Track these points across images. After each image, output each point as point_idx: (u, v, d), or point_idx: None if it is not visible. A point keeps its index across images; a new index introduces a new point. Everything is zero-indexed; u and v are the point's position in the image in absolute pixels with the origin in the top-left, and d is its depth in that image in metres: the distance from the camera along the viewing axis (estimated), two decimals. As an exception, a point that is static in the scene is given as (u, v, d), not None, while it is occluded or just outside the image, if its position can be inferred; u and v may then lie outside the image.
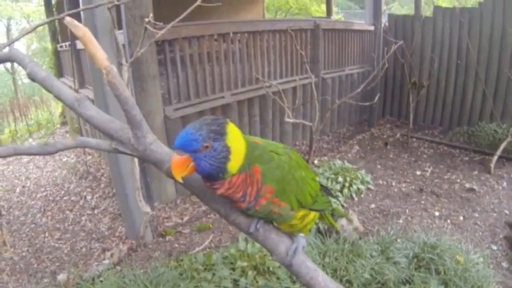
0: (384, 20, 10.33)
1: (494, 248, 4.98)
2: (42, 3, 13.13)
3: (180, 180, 1.39)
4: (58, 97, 1.61)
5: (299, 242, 1.66)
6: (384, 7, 9.99)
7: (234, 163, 1.42)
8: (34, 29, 2.95)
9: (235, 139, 1.44)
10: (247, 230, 1.59)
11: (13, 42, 3.18)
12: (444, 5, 15.95)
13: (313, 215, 1.74)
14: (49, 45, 13.28)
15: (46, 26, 12.55)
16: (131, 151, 1.57)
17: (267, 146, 1.59)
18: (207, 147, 1.36)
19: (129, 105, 1.46)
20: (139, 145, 1.53)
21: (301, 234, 1.69)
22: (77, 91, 8.73)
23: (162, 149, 1.56)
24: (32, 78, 1.62)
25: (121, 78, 1.44)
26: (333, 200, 5.62)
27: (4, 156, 1.53)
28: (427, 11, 12.68)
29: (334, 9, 17.14)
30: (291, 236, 1.70)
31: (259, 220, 1.60)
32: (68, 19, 1.40)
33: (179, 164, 1.36)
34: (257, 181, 1.47)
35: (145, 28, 3.71)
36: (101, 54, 1.39)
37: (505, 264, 4.63)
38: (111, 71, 1.40)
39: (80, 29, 1.37)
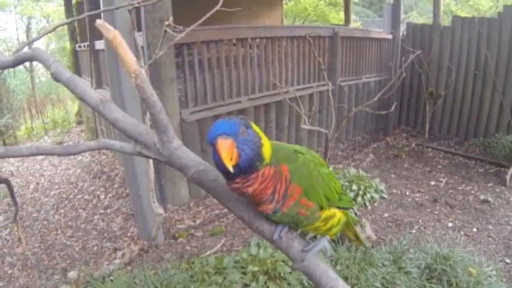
0: (402, 28, 10.29)
1: (508, 261, 4.92)
2: (62, 3, 13.26)
3: (231, 169, 1.34)
4: (82, 98, 1.62)
5: (319, 242, 1.66)
6: (402, 16, 9.94)
7: (266, 149, 1.45)
8: (54, 29, 2.98)
9: (259, 131, 1.47)
10: (270, 237, 1.59)
11: (33, 41, 3.22)
12: (463, 14, 15.86)
13: (338, 217, 1.73)
14: (67, 45, 13.42)
15: (65, 26, 12.67)
16: (156, 155, 1.57)
17: (289, 146, 1.62)
18: (243, 132, 1.39)
19: (157, 109, 1.48)
20: (165, 150, 1.54)
21: (327, 237, 1.70)
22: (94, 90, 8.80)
23: (188, 155, 1.56)
24: (56, 78, 1.63)
25: (149, 82, 1.45)
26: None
27: (27, 155, 1.55)
28: (445, 20, 12.65)
29: (353, 17, 17.10)
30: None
31: (283, 228, 1.60)
32: (99, 21, 1.42)
33: (228, 148, 1.34)
34: (285, 179, 1.47)
35: (165, 31, 3.73)
36: (130, 58, 1.41)
37: (518, 278, 4.58)
38: (140, 74, 1.41)
39: (111, 32, 1.38)
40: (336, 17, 20.61)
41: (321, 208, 1.61)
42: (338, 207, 1.74)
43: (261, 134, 1.46)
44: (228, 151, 1.33)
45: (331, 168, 7.03)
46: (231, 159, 1.34)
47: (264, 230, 1.58)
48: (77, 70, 12.19)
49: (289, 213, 1.52)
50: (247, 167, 1.40)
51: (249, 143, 1.39)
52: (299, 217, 1.56)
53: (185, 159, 1.56)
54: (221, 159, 1.33)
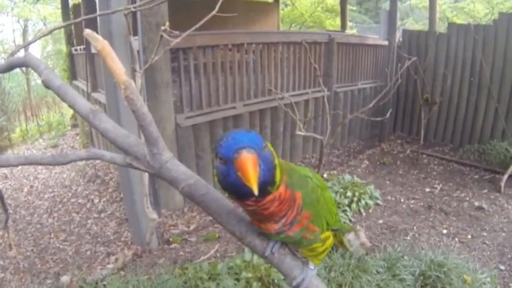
0: (398, 35, 10.33)
1: (502, 268, 4.93)
2: (60, 6, 13.25)
3: (256, 191, 1.15)
4: (72, 107, 1.59)
5: (307, 274, 1.55)
6: (398, 22, 9.97)
7: (278, 170, 1.29)
8: (50, 32, 2.97)
9: (273, 150, 1.32)
10: (262, 253, 1.53)
11: (29, 44, 3.21)
12: (459, 21, 15.93)
13: (331, 239, 1.67)
14: (64, 48, 13.40)
15: (62, 28, 12.66)
16: (146, 168, 1.55)
17: (298, 169, 1.49)
18: (265, 147, 1.23)
19: (147, 121, 1.42)
20: (155, 162, 1.50)
21: (312, 266, 1.59)
22: (89, 95, 8.79)
23: (178, 168, 1.53)
24: (47, 85, 1.61)
25: (139, 93, 1.42)
26: (340, 214, 5.60)
27: (15, 165, 1.53)
28: (441, 27, 12.71)
29: (349, 23, 17.16)
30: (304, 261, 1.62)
31: (275, 244, 1.53)
32: (87, 31, 1.39)
33: (254, 164, 1.16)
34: (298, 206, 1.36)
35: (161, 36, 3.72)
36: (119, 69, 1.36)
37: (512, 286, 4.58)
38: (129, 86, 1.36)
39: (99, 42, 1.36)
40: (333, 23, 20.67)
41: (322, 231, 1.57)
42: (332, 230, 1.69)
43: (275, 153, 1.30)
44: (254, 168, 1.15)
45: (325, 175, 7.07)
46: (257, 175, 1.16)
47: (256, 245, 1.53)
48: (73, 73, 12.17)
49: (294, 237, 1.44)
50: (261, 190, 1.21)
51: (268, 162, 1.23)
52: (302, 240, 1.50)
53: (175, 172, 1.51)
54: (244, 177, 1.15)
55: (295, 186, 1.35)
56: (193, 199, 1.51)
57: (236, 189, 1.21)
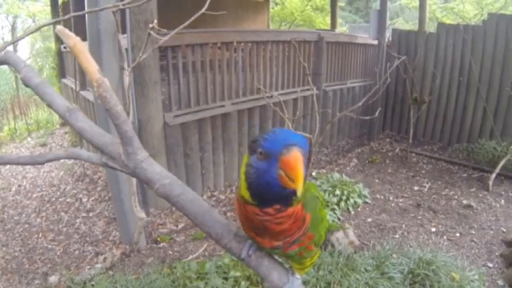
0: (388, 34, 10.35)
1: (490, 265, 4.96)
2: (49, 3, 13.16)
3: (300, 191, 1.08)
4: (50, 105, 1.57)
5: (293, 284, 1.48)
6: (388, 22, 9.99)
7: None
8: (39, 28, 2.94)
9: None
10: (239, 255, 1.47)
11: (17, 41, 3.18)
12: (448, 21, 16.01)
13: (319, 253, 1.58)
14: (53, 46, 13.31)
15: (51, 26, 12.58)
16: (121, 167, 1.52)
17: (309, 186, 1.40)
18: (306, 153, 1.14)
19: (121, 120, 1.40)
20: (130, 162, 1.48)
21: (298, 276, 1.51)
22: (78, 93, 8.74)
23: (154, 168, 1.51)
24: (26, 83, 1.59)
25: (113, 91, 1.39)
26: (329, 213, 5.60)
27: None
28: (431, 27, 12.75)
29: (339, 21, 17.18)
30: (283, 265, 1.53)
31: (252, 246, 1.46)
32: (58, 28, 1.36)
33: (303, 163, 1.08)
34: (305, 227, 1.30)
35: (149, 34, 3.71)
36: (91, 66, 1.35)
37: (500, 282, 4.60)
38: (102, 83, 1.35)
39: (72, 39, 1.32)
40: (322, 22, 20.67)
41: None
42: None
43: None
44: (302, 169, 1.07)
45: (314, 173, 7.08)
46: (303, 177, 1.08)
47: (233, 247, 1.47)
48: (62, 71, 12.10)
49: (289, 253, 1.38)
50: (288, 198, 1.16)
51: (306, 167, 1.12)
52: (295, 256, 1.43)
53: (150, 173, 1.49)
54: (292, 175, 1.07)
55: (307, 206, 1.29)
56: (168, 199, 1.49)
57: (267, 190, 1.13)
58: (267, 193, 1.13)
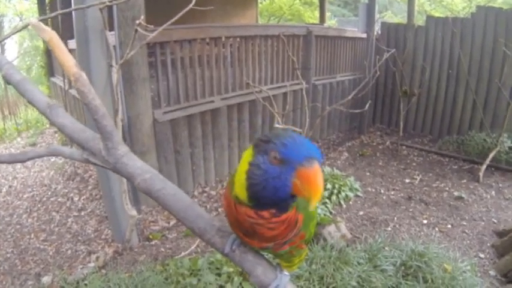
0: (377, 28, 10.36)
1: (482, 256, 5.00)
2: (36, 1, 13.08)
3: (313, 207, 1.07)
4: (31, 102, 1.55)
5: (282, 281, 1.42)
6: (377, 15, 10.00)
7: None
8: (24, 27, 2.92)
9: None
10: (222, 250, 1.43)
11: (4, 39, 3.15)
12: (437, 14, 16.05)
13: (307, 250, 1.53)
14: (41, 44, 13.23)
15: (38, 24, 12.49)
16: (102, 163, 1.49)
17: None
18: None
19: (99, 114, 1.38)
20: (110, 157, 1.45)
21: (286, 273, 1.46)
22: (67, 91, 8.68)
23: (135, 163, 1.48)
24: (7, 80, 1.57)
25: (91, 86, 1.36)
26: (321, 207, 5.61)
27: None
28: (419, 20, 12.77)
29: (328, 15, 17.17)
30: (269, 260, 1.48)
31: (236, 240, 1.40)
32: (33, 22, 1.34)
33: (322, 180, 1.05)
34: (298, 228, 1.25)
35: (136, 30, 3.68)
36: (68, 60, 1.31)
37: (492, 273, 4.63)
38: (79, 78, 1.32)
39: (47, 33, 1.29)
40: (311, 16, 20.68)
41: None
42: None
43: None
44: (322, 184, 1.05)
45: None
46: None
47: (216, 242, 1.44)
48: (51, 70, 12.02)
49: (279, 253, 1.35)
50: (285, 205, 1.14)
51: None
52: (285, 255, 1.40)
53: (131, 167, 1.46)
54: (312, 190, 1.03)
55: (300, 206, 1.24)
56: (149, 194, 1.46)
57: (271, 195, 1.08)
58: (270, 198, 1.08)
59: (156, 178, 1.47)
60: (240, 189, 1.13)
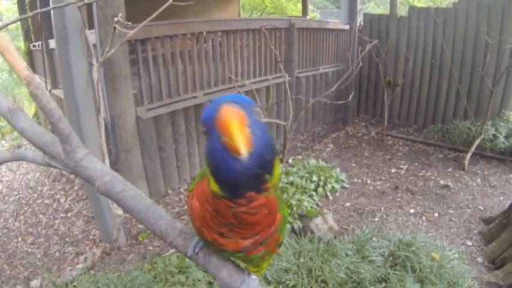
0: (359, 19, 10.38)
1: (469, 243, 5.05)
2: (16, 1, 12.93)
3: (246, 153, 0.91)
4: None
5: (250, 285, 1.38)
6: (359, 6, 10.02)
7: (278, 163, 1.10)
8: (4, 26, 2.87)
9: None
10: (185, 253, 1.40)
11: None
12: (419, 5, 16.10)
13: (276, 254, 1.45)
14: (22, 44, 13.08)
15: (19, 24, 12.36)
16: (63, 166, 1.48)
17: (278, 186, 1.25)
18: (258, 114, 1.02)
19: (55, 117, 1.35)
20: (69, 160, 1.44)
21: (254, 277, 1.41)
22: (50, 92, 8.60)
23: (94, 165, 1.46)
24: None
25: (44, 89, 1.33)
26: (307, 199, 5.60)
27: None
28: (402, 11, 12.79)
29: (310, 8, 17.18)
30: (234, 262, 1.43)
31: (199, 243, 1.36)
32: None
33: (240, 118, 0.93)
34: (275, 228, 1.20)
35: (115, 28, 3.65)
36: (19, 64, 1.28)
37: (480, 260, 4.68)
38: (31, 81, 1.29)
39: None
40: (294, 8, 20.69)
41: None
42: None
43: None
44: (240, 124, 0.92)
45: (290, 160, 7.08)
46: (245, 135, 0.92)
47: (178, 245, 1.41)
48: (32, 70, 11.84)
49: (251, 257, 1.28)
50: (257, 176, 1.01)
51: (264, 134, 1.00)
52: (255, 259, 1.32)
53: (91, 170, 1.45)
54: (228, 136, 0.91)
55: (279, 206, 1.19)
56: (110, 197, 1.45)
57: (226, 170, 0.98)
58: (229, 175, 0.98)
59: (116, 180, 1.45)
60: (212, 183, 1.06)
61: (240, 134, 0.91)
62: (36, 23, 10.00)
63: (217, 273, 1.39)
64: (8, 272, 5.12)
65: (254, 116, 0.98)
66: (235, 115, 0.92)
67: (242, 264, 1.43)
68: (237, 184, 1.00)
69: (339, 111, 10.42)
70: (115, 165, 5.38)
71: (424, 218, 5.67)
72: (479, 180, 6.78)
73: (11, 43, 1.28)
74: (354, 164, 7.69)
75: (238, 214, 1.08)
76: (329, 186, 6.26)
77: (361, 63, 7.32)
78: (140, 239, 5.35)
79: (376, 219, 5.62)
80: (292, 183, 5.93)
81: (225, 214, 1.10)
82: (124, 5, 5.15)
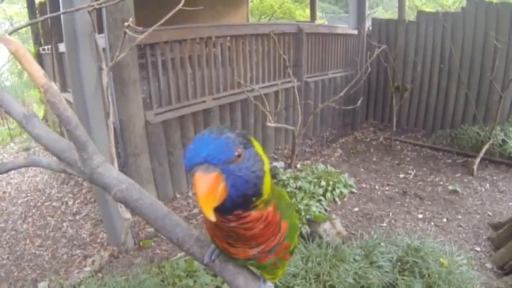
0: (368, 24, 10.37)
1: (478, 249, 5.01)
2: (26, 5, 13.00)
3: (213, 218, 1.01)
4: (8, 112, 1.53)
5: None
6: (367, 11, 10.02)
7: (267, 181, 1.12)
8: (14, 30, 2.90)
9: (262, 152, 1.14)
10: (201, 260, 1.43)
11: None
12: (427, 9, 16.07)
13: (289, 261, 1.54)
14: (32, 48, 13.16)
15: (29, 28, 12.45)
16: (78, 173, 1.48)
17: (281, 192, 1.33)
18: (239, 156, 1.04)
19: (73, 125, 1.36)
20: (86, 167, 1.44)
21: (269, 283, 1.46)
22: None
23: (110, 173, 1.47)
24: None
25: (61, 96, 1.33)
26: (315, 204, 5.60)
27: None
28: (410, 16, 12.79)
29: (319, 13, 17.18)
30: (250, 269, 1.47)
31: (215, 250, 1.39)
32: None
33: (210, 187, 0.99)
34: (281, 236, 1.24)
35: (125, 32, 3.67)
36: (36, 71, 1.28)
37: (488, 265, 4.65)
38: (49, 89, 1.29)
39: (13, 44, 1.25)
40: (302, 13, 20.70)
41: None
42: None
43: (264, 157, 1.13)
44: (208, 192, 0.99)
45: (299, 165, 7.08)
46: (215, 199, 1.01)
47: (195, 252, 1.43)
48: (42, 74, 11.93)
49: (264, 264, 1.32)
50: (238, 205, 1.08)
51: (245, 174, 1.05)
52: (268, 267, 1.37)
53: (107, 178, 1.46)
54: (199, 204, 0.99)
55: (283, 214, 1.23)
56: (127, 204, 1.46)
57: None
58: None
59: (132, 188, 1.46)
60: None
61: (208, 204, 0.99)
62: (46, 27, 10.06)
63: (233, 280, 1.42)
64: (15, 274, 5.14)
65: (236, 165, 1.04)
66: (204, 187, 0.99)
67: (257, 272, 1.46)
68: (225, 209, 1.08)
69: (348, 116, 10.40)
70: (123, 168, 5.40)
71: (432, 223, 5.64)
72: (488, 185, 6.74)
73: (27, 51, 1.28)
74: (362, 169, 7.67)
75: (234, 229, 1.15)
76: (337, 191, 6.24)
77: (369, 68, 7.31)
78: (142, 244, 5.35)
79: (384, 224, 5.60)
80: (300, 188, 5.92)
81: (223, 228, 1.18)
82: (133, 9, 5.17)
